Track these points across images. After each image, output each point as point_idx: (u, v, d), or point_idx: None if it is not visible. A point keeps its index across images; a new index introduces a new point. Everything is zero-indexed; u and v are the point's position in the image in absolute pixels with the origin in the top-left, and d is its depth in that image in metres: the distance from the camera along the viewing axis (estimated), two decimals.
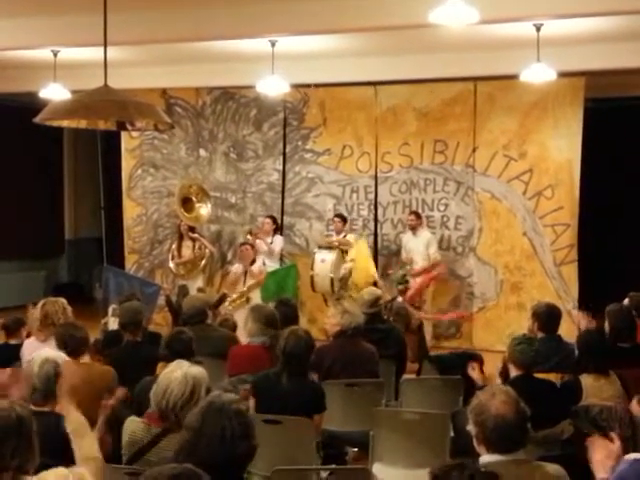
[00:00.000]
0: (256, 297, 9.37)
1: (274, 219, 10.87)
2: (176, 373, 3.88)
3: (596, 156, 10.70)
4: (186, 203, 10.65)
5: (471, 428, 3.26)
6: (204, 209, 10.78)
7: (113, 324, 8.33)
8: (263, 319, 6.06)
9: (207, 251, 10.72)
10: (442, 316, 10.50)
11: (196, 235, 10.70)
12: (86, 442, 3.65)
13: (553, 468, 3.29)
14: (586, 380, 5.12)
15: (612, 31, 8.38)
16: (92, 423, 3.87)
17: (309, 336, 5.25)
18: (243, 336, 6.93)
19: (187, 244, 10.63)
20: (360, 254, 10.10)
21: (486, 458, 3.18)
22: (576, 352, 5.63)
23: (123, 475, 3.76)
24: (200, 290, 10.01)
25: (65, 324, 5.57)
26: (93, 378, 4.89)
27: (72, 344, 5.13)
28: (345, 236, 10.50)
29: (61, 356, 4.43)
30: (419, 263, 10.26)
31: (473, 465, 2.85)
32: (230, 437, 2.78)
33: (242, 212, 11.89)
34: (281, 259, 11.15)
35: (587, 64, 9.34)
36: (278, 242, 10.62)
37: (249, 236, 10.53)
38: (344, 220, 10.67)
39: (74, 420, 3.72)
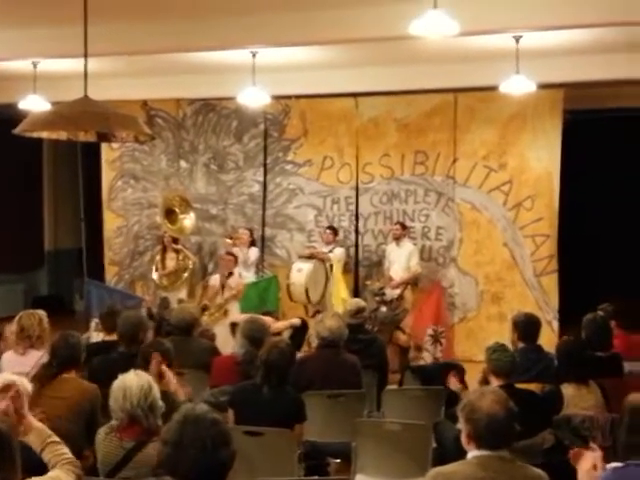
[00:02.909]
0: (234, 309, 9.33)
1: (251, 232, 10.89)
2: (128, 375, 4.02)
3: (575, 167, 10.77)
4: (169, 215, 10.60)
5: (462, 426, 3.34)
6: (188, 220, 10.70)
7: (96, 338, 8.25)
8: (248, 335, 6.01)
9: (190, 262, 10.68)
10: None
11: (180, 246, 10.65)
12: (60, 448, 3.55)
13: (537, 472, 3.34)
14: (567, 390, 5.15)
15: (590, 43, 8.45)
16: (69, 439, 3.77)
17: (290, 347, 5.26)
18: (222, 347, 6.94)
19: (171, 256, 10.57)
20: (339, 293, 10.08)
21: (475, 453, 3.27)
22: (555, 362, 5.66)
23: None
24: (181, 301, 9.95)
25: (63, 335, 5.20)
26: (74, 393, 4.80)
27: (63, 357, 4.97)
28: (333, 249, 10.47)
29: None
30: (399, 273, 10.25)
31: None
32: (211, 446, 2.77)
33: (223, 223, 11.85)
34: (261, 270, 11.14)
35: (566, 76, 9.40)
36: (253, 253, 10.64)
37: (228, 240, 10.52)
38: (335, 232, 10.66)
39: (41, 432, 3.58)
